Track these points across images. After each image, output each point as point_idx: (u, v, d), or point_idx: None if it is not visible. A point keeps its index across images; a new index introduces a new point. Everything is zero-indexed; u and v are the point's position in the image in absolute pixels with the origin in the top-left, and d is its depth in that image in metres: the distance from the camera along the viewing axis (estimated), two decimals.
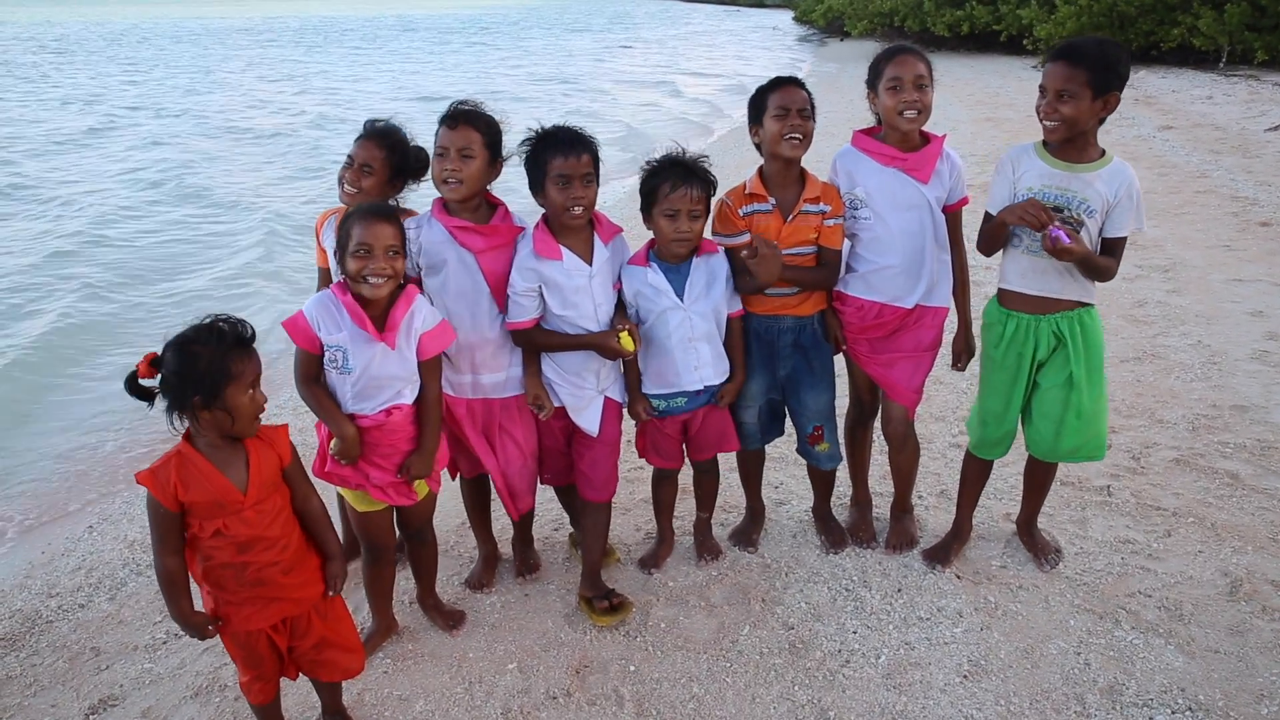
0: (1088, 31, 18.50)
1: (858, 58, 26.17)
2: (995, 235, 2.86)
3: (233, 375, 2.02)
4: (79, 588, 3.62)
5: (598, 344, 2.80)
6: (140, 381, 2.07)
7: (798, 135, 2.82)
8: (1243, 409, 4.33)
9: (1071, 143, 2.74)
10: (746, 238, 2.91)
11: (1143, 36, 17.86)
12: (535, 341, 2.84)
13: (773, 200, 2.93)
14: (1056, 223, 2.62)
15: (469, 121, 2.65)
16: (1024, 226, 2.69)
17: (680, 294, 2.85)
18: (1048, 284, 2.81)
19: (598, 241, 2.82)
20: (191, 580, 2.18)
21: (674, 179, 2.74)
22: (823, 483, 3.41)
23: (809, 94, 2.89)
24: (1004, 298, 2.94)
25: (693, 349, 2.89)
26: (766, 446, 3.35)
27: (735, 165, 11.94)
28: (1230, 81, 15.12)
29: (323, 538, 2.33)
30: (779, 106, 2.83)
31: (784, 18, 55.02)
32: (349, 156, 2.90)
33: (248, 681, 2.38)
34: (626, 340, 2.76)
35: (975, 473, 3.23)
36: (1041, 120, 2.72)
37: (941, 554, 3.22)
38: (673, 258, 2.86)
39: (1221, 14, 16.18)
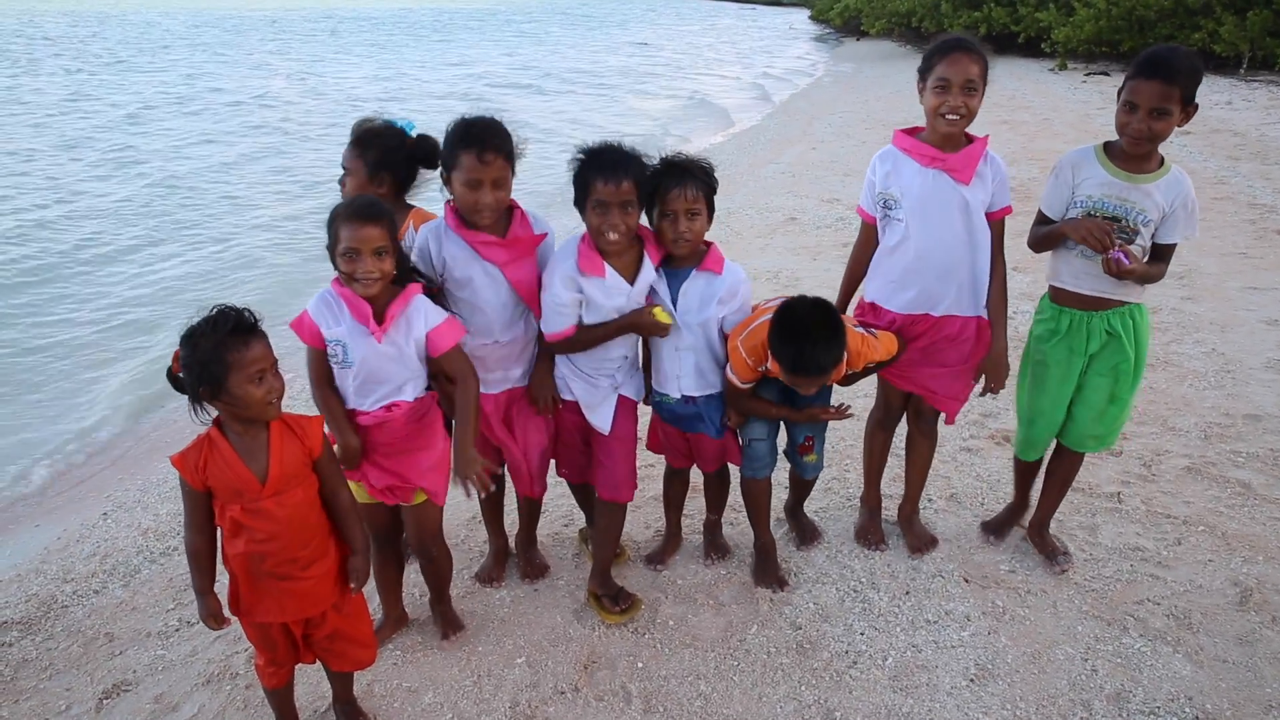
0: (1106, 35, 18.47)
1: (874, 57, 26.10)
2: (1050, 240, 2.86)
3: (230, 365, 2.03)
4: (94, 574, 3.67)
5: (634, 323, 2.77)
6: (177, 375, 2.12)
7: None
8: (1256, 418, 4.31)
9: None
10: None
11: (1162, 41, 17.73)
12: (578, 342, 2.79)
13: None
14: (1118, 244, 2.62)
15: (498, 150, 2.57)
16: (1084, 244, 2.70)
17: (675, 301, 2.82)
18: (1100, 285, 2.83)
19: (646, 261, 2.75)
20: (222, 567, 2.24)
21: (669, 180, 2.70)
22: (800, 487, 3.43)
23: None
24: (1056, 294, 2.94)
25: (677, 357, 2.87)
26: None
27: (749, 165, 11.95)
28: (1250, 87, 15.01)
29: (349, 532, 2.34)
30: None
31: (800, 16, 54.86)
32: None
33: (262, 664, 2.42)
34: (661, 313, 2.74)
35: (1025, 471, 3.35)
36: (1128, 136, 2.66)
37: (1002, 527, 3.41)
38: (675, 260, 2.83)
39: (1244, 20, 16.06)
